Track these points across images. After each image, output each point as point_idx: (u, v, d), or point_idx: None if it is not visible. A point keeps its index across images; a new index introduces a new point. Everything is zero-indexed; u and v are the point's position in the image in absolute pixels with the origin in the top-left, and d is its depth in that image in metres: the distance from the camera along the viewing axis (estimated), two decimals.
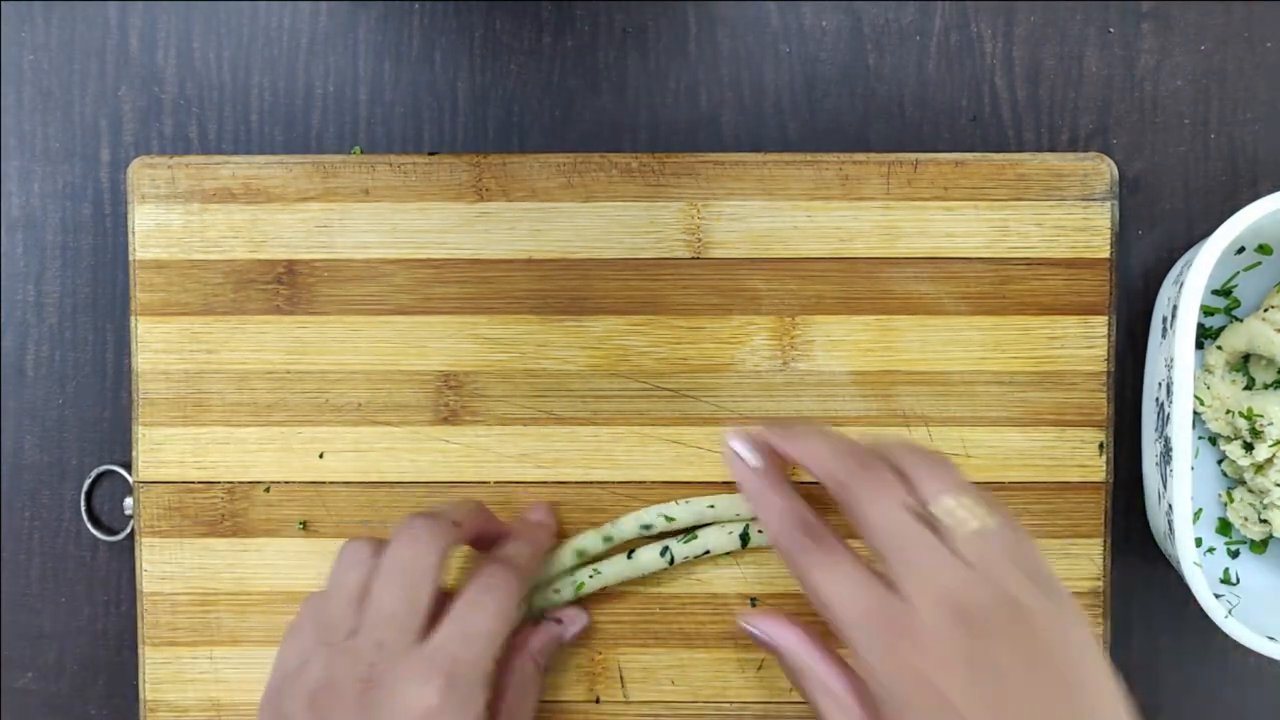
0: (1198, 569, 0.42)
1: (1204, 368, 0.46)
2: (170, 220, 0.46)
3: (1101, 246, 0.46)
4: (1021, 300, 0.46)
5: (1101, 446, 0.46)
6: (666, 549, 0.45)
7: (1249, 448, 0.45)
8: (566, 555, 0.45)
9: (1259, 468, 0.45)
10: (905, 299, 0.46)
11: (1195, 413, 0.47)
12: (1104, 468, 0.46)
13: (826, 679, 0.37)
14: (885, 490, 0.36)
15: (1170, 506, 0.42)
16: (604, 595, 0.46)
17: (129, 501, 0.47)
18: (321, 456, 0.47)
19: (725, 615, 0.46)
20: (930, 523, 0.35)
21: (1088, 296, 0.46)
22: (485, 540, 0.43)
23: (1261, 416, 0.44)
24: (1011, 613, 0.33)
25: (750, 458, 0.40)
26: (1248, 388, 0.46)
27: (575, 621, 0.45)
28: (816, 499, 0.41)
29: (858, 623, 0.34)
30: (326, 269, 0.47)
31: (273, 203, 0.46)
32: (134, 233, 0.47)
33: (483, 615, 0.38)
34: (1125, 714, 0.33)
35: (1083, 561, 0.46)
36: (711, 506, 0.45)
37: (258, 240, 0.47)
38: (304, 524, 0.46)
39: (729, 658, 0.46)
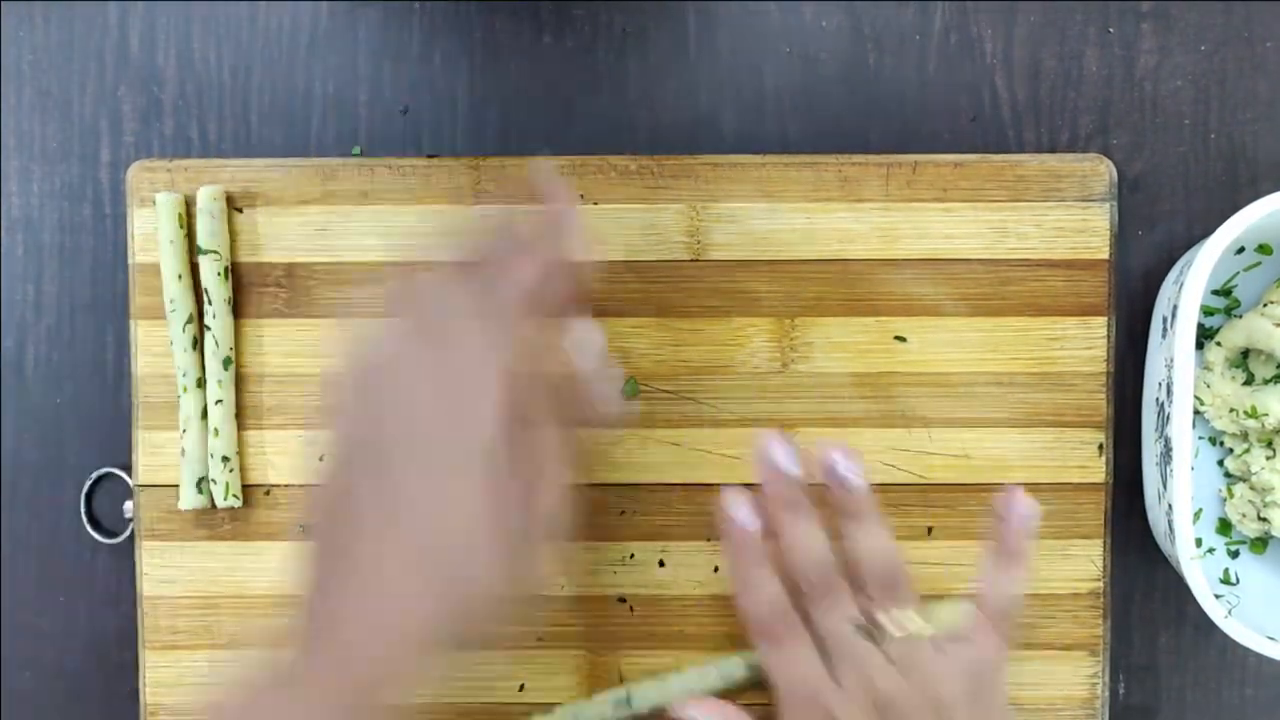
0: (1197, 569, 0.42)
1: (1204, 365, 0.46)
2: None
3: (1101, 247, 0.46)
4: (1021, 301, 0.46)
5: (1101, 447, 0.46)
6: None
7: (1265, 444, 0.45)
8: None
9: (1267, 459, 0.45)
10: (905, 300, 0.46)
11: (1196, 412, 0.47)
12: (1104, 468, 0.46)
13: None
14: (836, 605, 0.42)
15: (1170, 506, 0.42)
16: (604, 596, 0.46)
17: (129, 504, 0.47)
18: (321, 459, 0.46)
19: (725, 617, 0.46)
20: (873, 632, 0.41)
21: (1087, 297, 0.46)
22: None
23: (1268, 415, 0.44)
24: (934, 711, 0.40)
25: (749, 521, 0.43)
26: (1247, 383, 0.46)
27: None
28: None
29: (799, 704, 0.41)
30: (325, 272, 0.46)
31: (272, 205, 0.46)
32: (133, 236, 0.47)
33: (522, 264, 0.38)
34: None
35: (1083, 562, 0.46)
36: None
37: (257, 243, 0.47)
38: (304, 527, 0.46)
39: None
